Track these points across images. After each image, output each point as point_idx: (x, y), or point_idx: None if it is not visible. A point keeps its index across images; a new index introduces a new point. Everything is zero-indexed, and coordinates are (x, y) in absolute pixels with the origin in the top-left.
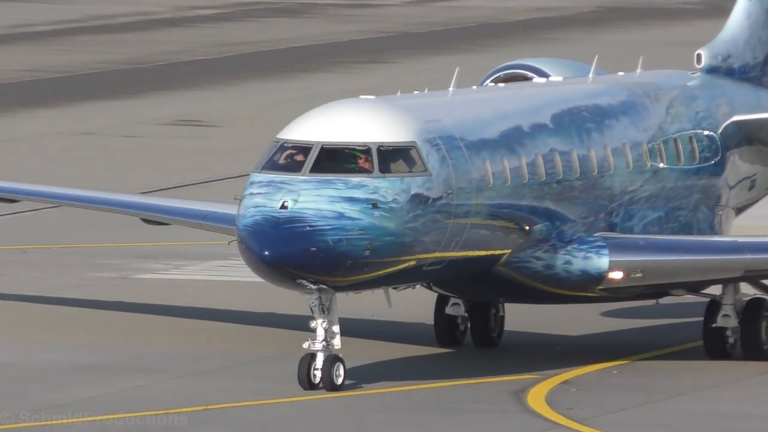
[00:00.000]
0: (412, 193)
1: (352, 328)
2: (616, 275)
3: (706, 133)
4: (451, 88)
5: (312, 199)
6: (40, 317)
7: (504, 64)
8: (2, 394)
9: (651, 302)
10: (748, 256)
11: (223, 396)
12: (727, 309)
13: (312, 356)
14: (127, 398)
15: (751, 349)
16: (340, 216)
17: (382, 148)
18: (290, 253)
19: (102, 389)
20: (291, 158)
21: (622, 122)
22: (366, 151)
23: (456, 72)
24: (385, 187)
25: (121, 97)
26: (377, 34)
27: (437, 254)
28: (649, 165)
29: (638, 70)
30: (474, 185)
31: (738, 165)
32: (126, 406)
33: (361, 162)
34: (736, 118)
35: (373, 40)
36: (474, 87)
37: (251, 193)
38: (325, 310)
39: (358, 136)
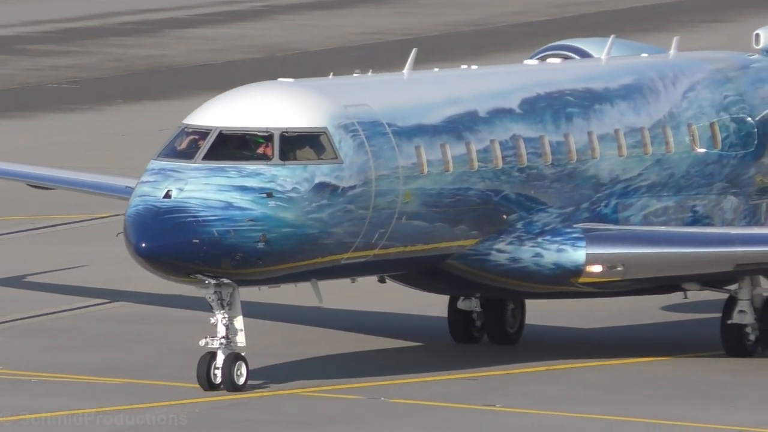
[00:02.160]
0: (317, 181)
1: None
2: (595, 269)
3: (734, 117)
4: (405, 70)
5: (199, 187)
6: None
7: (549, 45)
8: None
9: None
10: (738, 249)
11: None
12: (743, 305)
13: (212, 355)
14: None
15: None
16: (228, 206)
17: (286, 134)
18: (169, 245)
19: None
20: (190, 144)
21: (618, 107)
22: (268, 137)
23: (413, 52)
24: (284, 176)
25: None
26: None
27: (360, 249)
28: (650, 152)
29: (671, 51)
30: (401, 174)
31: None
32: None
33: (262, 149)
34: None
35: None
36: (436, 69)
37: (142, 182)
38: (225, 305)
39: (261, 121)
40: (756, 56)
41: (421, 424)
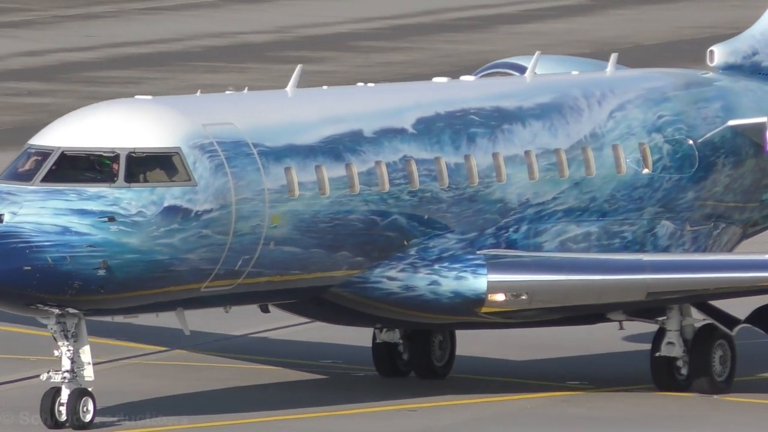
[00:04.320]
0: (166, 205)
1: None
2: (498, 297)
3: (670, 139)
4: (288, 87)
5: (34, 211)
6: None
7: (493, 62)
8: None
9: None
10: (649, 276)
11: None
12: (671, 336)
13: (56, 390)
14: None
15: (701, 382)
16: (65, 231)
17: (133, 154)
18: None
19: None
20: (32, 166)
21: (531, 127)
22: (114, 157)
23: (297, 69)
24: (128, 199)
25: None
26: None
27: (222, 277)
28: (567, 175)
29: (609, 68)
30: (267, 197)
31: (737, 176)
32: None
33: (107, 170)
34: (731, 123)
35: None
36: (325, 87)
37: None
38: (70, 336)
39: (107, 141)
40: (710, 74)
41: None
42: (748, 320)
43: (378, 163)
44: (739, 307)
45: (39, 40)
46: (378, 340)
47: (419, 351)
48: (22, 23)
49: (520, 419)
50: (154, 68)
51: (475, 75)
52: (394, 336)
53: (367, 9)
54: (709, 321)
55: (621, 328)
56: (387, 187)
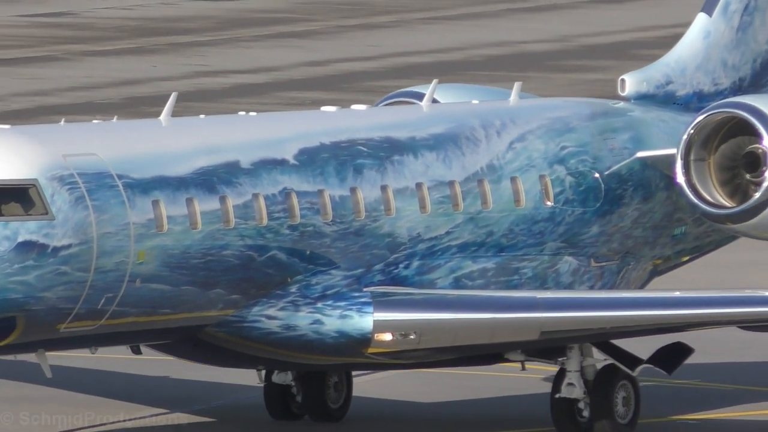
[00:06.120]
0: (20, 240)
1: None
2: (385, 337)
3: (573, 171)
4: (162, 117)
5: None
6: None
7: (395, 92)
8: None
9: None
10: (542, 315)
11: None
12: (572, 377)
13: None
14: None
15: (603, 425)
16: None
17: None
18: None
19: None
20: None
21: (423, 158)
22: None
23: (172, 96)
24: None
25: None
26: None
27: (83, 317)
28: (461, 208)
29: (512, 97)
30: (132, 231)
31: (647, 210)
32: None
33: None
34: (640, 154)
35: None
36: (202, 116)
37: None
38: None
39: None
40: (621, 104)
41: None
42: (650, 360)
43: (256, 195)
44: (650, 346)
45: (322, 49)
46: (272, 382)
47: (313, 392)
48: (305, 33)
49: None
50: (435, 77)
51: (378, 104)
52: (286, 378)
53: (651, 17)
54: (611, 361)
55: (523, 368)
56: (265, 221)
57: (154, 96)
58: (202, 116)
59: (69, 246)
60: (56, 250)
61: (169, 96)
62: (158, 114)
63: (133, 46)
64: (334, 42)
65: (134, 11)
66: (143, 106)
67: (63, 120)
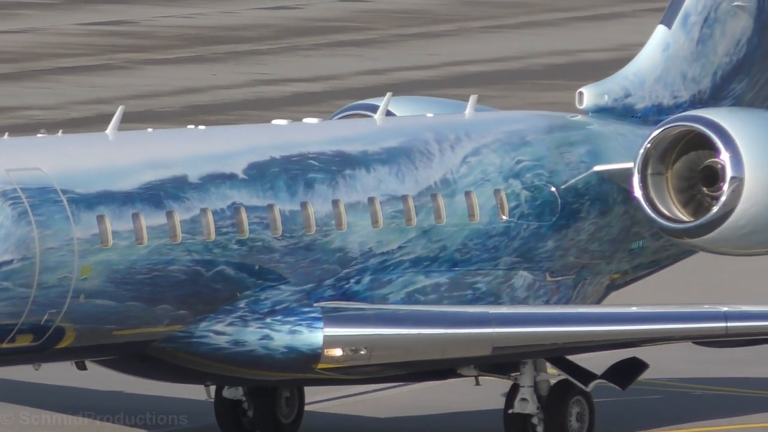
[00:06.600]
0: None
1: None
2: (336, 352)
3: (528, 185)
4: (108, 131)
5: None
6: None
7: (350, 105)
8: None
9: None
10: (495, 330)
11: None
12: (525, 392)
13: None
14: None
15: None
16: None
17: None
18: None
19: None
20: None
21: (376, 172)
22: None
23: (119, 110)
24: None
25: None
26: None
27: (25, 333)
28: (414, 223)
29: (467, 110)
30: (76, 247)
31: (604, 224)
32: None
33: None
34: (597, 168)
35: None
36: (150, 129)
37: None
38: None
39: None
40: (579, 117)
41: None
42: (604, 376)
43: (204, 210)
44: (606, 362)
45: (381, 58)
46: (222, 397)
47: (264, 408)
48: (364, 42)
49: None
50: (494, 86)
51: (332, 117)
52: (236, 393)
53: None
54: (565, 377)
55: (477, 383)
56: (213, 236)
57: (213, 104)
58: (149, 130)
59: (11, 261)
60: None
61: (229, 104)
62: (219, 123)
63: (192, 55)
64: (393, 51)
65: (194, 19)
66: (202, 115)
67: (6, 134)
